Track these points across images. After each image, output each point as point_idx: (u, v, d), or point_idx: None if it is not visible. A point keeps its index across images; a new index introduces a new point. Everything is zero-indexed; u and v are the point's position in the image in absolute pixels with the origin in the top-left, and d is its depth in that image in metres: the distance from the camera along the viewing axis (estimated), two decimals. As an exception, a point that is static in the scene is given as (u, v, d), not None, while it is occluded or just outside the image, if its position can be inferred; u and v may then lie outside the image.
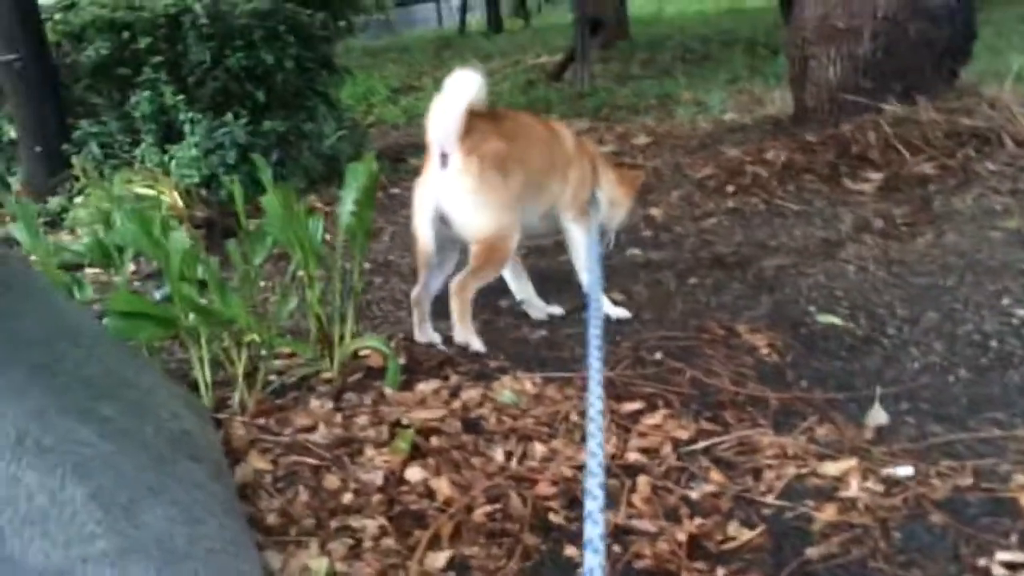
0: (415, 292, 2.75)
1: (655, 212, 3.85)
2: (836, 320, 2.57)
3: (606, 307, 2.79)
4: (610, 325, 2.73)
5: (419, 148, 5.98)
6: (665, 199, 4.03)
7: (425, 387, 2.34)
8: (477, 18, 15.70)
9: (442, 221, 2.59)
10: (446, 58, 10.78)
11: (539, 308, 2.93)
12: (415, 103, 8.02)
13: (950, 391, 2.07)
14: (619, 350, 2.51)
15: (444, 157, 2.52)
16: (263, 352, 2.42)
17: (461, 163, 2.52)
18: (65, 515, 1.28)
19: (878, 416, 1.98)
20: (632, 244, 3.52)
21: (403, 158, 5.68)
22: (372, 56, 11.90)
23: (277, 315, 2.35)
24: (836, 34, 4.34)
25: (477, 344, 2.59)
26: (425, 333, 2.73)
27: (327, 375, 2.44)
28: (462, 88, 2.52)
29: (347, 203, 2.51)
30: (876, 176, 3.81)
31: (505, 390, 2.28)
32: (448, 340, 2.63)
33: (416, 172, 5.28)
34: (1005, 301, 2.53)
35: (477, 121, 2.54)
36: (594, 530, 1.21)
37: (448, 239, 2.65)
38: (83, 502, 1.31)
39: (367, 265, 3.69)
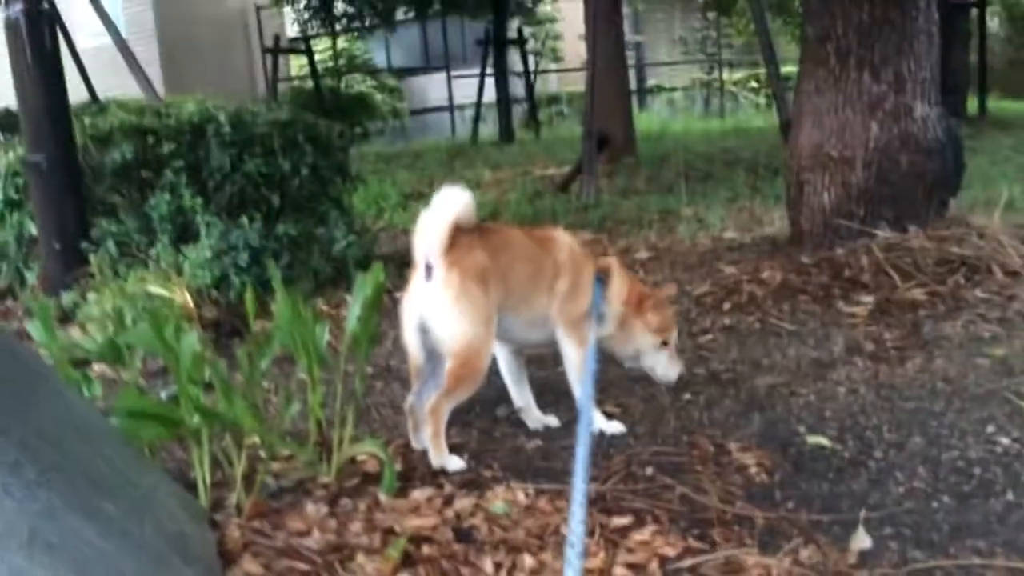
0: (408, 401, 2.82)
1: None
2: (825, 441, 2.62)
3: (599, 421, 2.85)
4: (604, 438, 2.79)
5: (426, 254, 6.17)
6: (663, 314, 4.13)
7: (419, 494, 2.38)
8: (489, 128, 16.25)
9: (424, 331, 2.69)
10: (457, 166, 11.12)
11: (536, 418, 2.99)
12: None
13: (933, 517, 2.11)
14: (612, 464, 2.56)
15: (428, 269, 2.64)
16: (263, 454, 2.47)
17: (443, 275, 2.64)
18: (65, 611, 1.33)
19: (862, 540, 2.02)
20: (629, 358, 3.60)
21: (411, 263, 5.82)
22: (386, 162, 12.27)
23: (280, 418, 2.42)
24: (830, 162, 4.52)
25: (454, 464, 2.62)
26: (420, 440, 2.78)
27: (324, 479, 2.49)
28: (449, 204, 2.65)
29: (354, 311, 2.61)
30: (868, 300, 3.91)
31: (498, 500, 2.32)
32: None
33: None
34: (990, 429, 2.59)
35: (463, 236, 2.66)
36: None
37: (437, 349, 2.73)
38: (82, 600, 1.36)
39: (369, 370, 3.77)
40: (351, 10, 15.67)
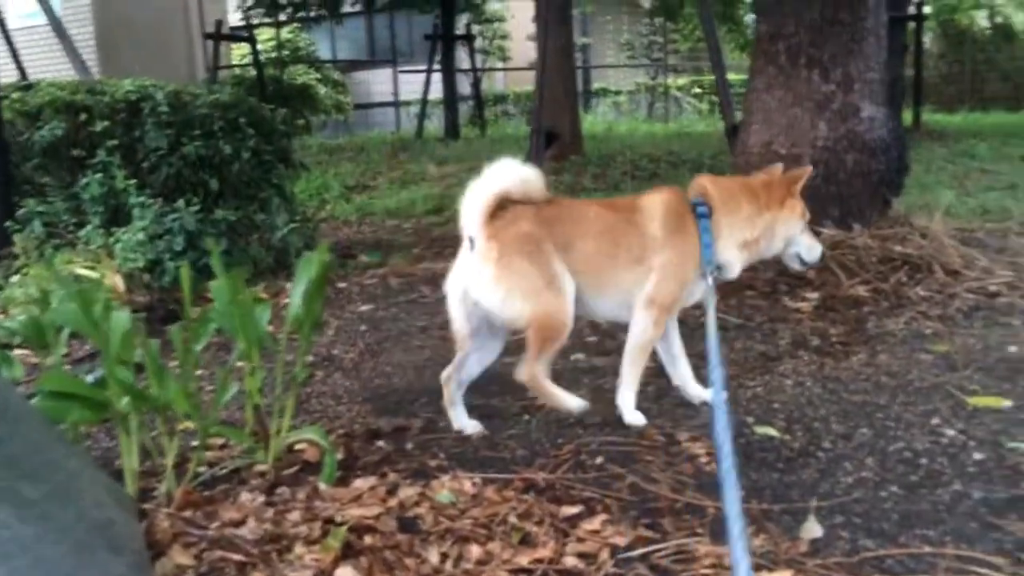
0: (445, 371, 2.76)
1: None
2: (773, 432, 2.60)
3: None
4: (552, 428, 2.73)
5: (368, 245, 6.06)
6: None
7: (362, 483, 2.29)
8: (435, 125, 16.11)
9: (471, 303, 2.63)
10: (401, 160, 10.98)
11: (695, 395, 2.89)
12: (368, 201, 8.12)
13: (882, 507, 2.10)
14: (561, 452, 2.50)
15: (471, 241, 2.58)
16: (196, 442, 2.35)
17: (483, 248, 2.57)
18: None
19: (812, 529, 1.99)
20: (576, 350, 3.55)
21: (352, 254, 5.71)
22: (329, 154, 12.07)
23: (215, 403, 2.30)
24: (778, 160, 4.52)
25: (575, 403, 2.65)
26: (457, 419, 2.74)
27: (261, 467, 2.38)
28: (496, 176, 2.58)
29: (297, 293, 2.50)
30: (813, 296, 3.94)
31: (443, 489, 2.24)
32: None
33: (365, 268, 5.31)
34: (935, 421, 2.61)
35: (514, 209, 2.58)
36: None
37: (486, 323, 2.67)
38: (-7, 587, 1.25)
39: (310, 359, 3.65)
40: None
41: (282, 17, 16.24)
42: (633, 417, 2.71)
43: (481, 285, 2.59)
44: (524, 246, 2.56)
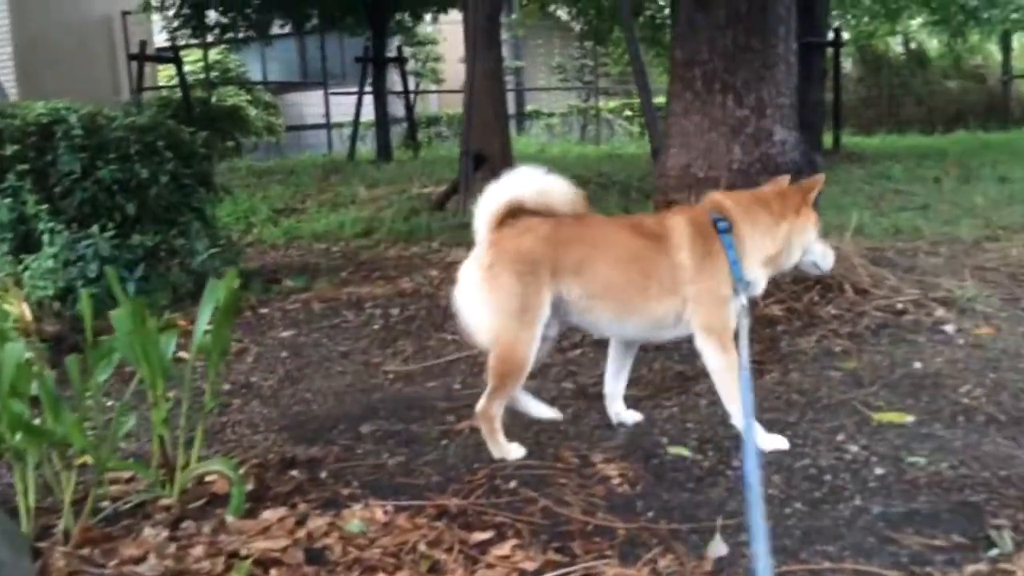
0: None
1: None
2: (686, 452, 2.64)
3: (762, 439, 2.55)
4: (469, 452, 2.72)
5: (295, 270, 5.98)
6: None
7: (271, 515, 2.25)
8: (367, 147, 16.03)
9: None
10: (332, 182, 10.89)
11: (616, 412, 2.87)
12: (296, 225, 8.02)
13: (786, 523, 2.15)
14: (475, 478, 2.49)
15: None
16: (98, 476, 2.28)
17: (479, 252, 2.54)
18: None
19: (718, 548, 2.03)
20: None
21: (278, 279, 5.63)
22: (258, 176, 11.89)
23: (112, 436, 2.23)
24: (696, 182, 4.63)
25: (515, 453, 2.59)
26: (529, 409, 2.74)
27: (166, 501, 2.32)
28: (513, 183, 2.56)
29: (203, 320, 2.46)
30: (730, 315, 4.01)
31: (354, 519, 2.21)
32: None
33: (289, 293, 5.23)
34: (840, 437, 2.68)
35: (528, 219, 2.54)
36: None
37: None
38: None
39: (227, 386, 3.58)
40: (224, 20, 15.15)
41: (210, 38, 15.99)
42: (769, 443, 2.58)
43: (464, 287, 2.57)
44: (518, 264, 2.50)
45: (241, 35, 15.79)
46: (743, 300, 2.58)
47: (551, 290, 2.54)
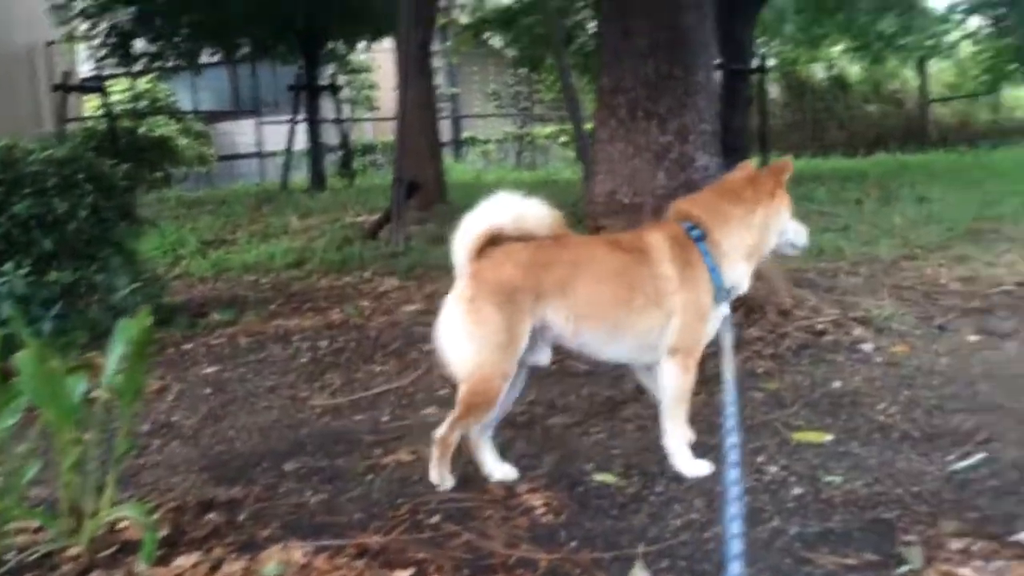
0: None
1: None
2: (611, 478, 2.65)
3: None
4: (394, 487, 2.69)
5: (223, 303, 5.86)
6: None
7: (184, 561, 2.19)
8: (301, 176, 15.88)
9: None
10: (264, 212, 10.75)
11: (487, 463, 2.71)
12: (226, 256, 7.87)
13: (705, 548, 2.16)
14: (398, 513, 2.46)
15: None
16: (1, 527, 2.19)
17: (460, 285, 2.51)
18: None
19: (639, 575, 2.03)
20: (426, 404, 3.53)
21: (205, 313, 5.50)
22: (187, 207, 11.68)
23: (14, 484, 2.14)
24: (622, 208, 4.70)
25: (447, 484, 2.58)
26: (485, 465, 2.66)
27: (74, 551, 2.23)
28: (490, 210, 2.52)
29: (112, 360, 2.38)
30: (658, 339, 4.06)
31: (271, 562, 2.16)
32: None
33: (215, 328, 5.12)
34: (760, 459, 2.72)
35: (508, 246, 2.51)
36: None
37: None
38: None
39: (146, 427, 3.48)
40: (152, 49, 14.90)
41: (137, 67, 15.69)
42: (692, 468, 2.60)
43: (446, 321, 2.54)
44: (498, 295, 2.47)
45: (170, 64, 15.53)
46: (725, 309, 2.62)
47: (535, 317, 2.53)
